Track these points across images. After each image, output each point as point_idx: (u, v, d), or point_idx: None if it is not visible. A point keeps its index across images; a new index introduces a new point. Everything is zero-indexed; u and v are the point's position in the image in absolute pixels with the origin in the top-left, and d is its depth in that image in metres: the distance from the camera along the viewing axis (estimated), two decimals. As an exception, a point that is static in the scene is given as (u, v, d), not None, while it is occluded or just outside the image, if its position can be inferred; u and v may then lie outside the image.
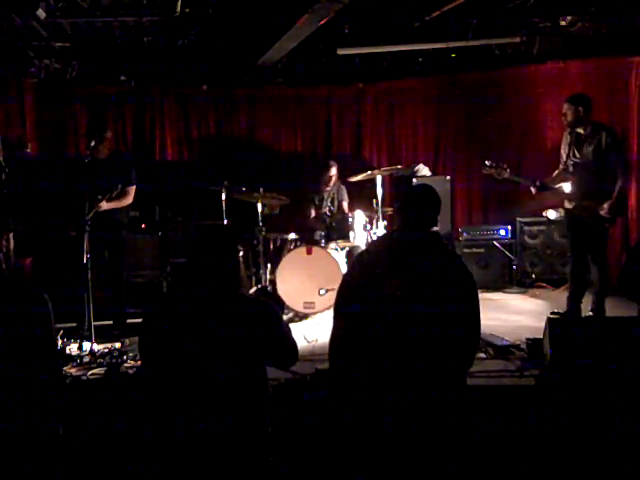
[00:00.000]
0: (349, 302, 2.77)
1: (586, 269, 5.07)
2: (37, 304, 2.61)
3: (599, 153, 4.88)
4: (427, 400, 2.60)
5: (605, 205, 4.80)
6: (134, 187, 5.25)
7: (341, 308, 2.82)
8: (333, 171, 6.74)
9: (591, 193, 4.89)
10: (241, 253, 2.61)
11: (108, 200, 4.94)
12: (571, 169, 5.05)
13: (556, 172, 5.18)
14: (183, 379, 2.37)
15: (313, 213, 6.78)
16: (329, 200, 6.76)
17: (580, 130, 4.98)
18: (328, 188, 6.78)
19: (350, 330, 2.74)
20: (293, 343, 2.60)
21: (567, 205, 5.14)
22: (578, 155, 4.99)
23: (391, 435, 2.60)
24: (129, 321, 5.31)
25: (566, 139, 5.12)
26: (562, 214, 6.56)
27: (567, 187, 5.10)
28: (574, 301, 5.10)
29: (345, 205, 6.82)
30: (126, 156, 5.30)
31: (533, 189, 5.07)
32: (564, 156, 5.12)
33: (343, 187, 6.86)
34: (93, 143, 5.00)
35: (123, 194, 5.16)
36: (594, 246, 5.00)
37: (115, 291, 5.36)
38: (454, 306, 2.62)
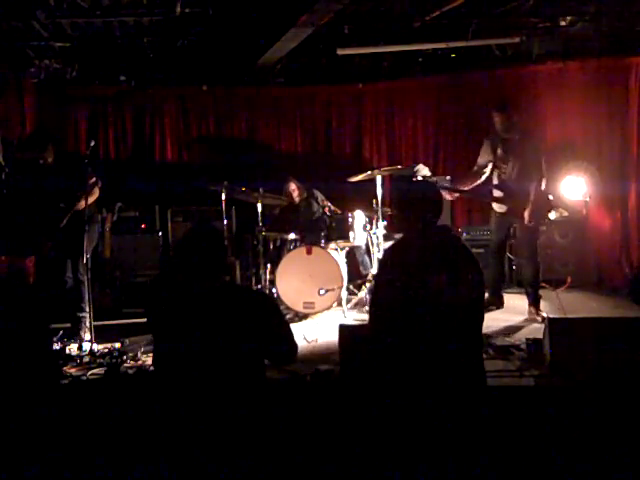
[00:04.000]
0: (390, 302, 2.92)
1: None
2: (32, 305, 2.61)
3: (524, 158, 5.15)
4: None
5: (525, 213, 5.09)
6: (94, 177, 5.16)
7: (380, 307, 2.98)
8: (292, 187, 6.58)
9: (519, 196, 5.15)
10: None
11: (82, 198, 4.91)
12: (501, 175, 5.31)
13: (471, 174, 5.51)
14: (183, 371, 2.41)
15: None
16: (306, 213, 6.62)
17: (509, 136, 5.17)
18: (295, 201, 6.66)
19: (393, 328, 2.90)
20: (290, 333, 2.62)
21: (498, 209, 5.40)
22: (508, 161, 5.22)
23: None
24: (128, 321, 5.32)
25: (490, 146, 5.33)
26: (562, 214, 6.60)
27: (496, 191, 5.38)
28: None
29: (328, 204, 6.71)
30: (72, 155, 5.26)
31: (448, 196, 5.35)
32: (486, 161, 5.36)
33: (316, 192, 6.71)
34: (41, 154, 4.98)
35: (89, 187, 5.09)
36: (527, 246, 5.38)
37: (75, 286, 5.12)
38: (478, 282, 2.95)
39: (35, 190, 5.15)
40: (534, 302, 5.31)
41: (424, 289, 2.82)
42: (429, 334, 2.83)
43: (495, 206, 5.43)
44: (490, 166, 5.37)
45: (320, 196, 6.69)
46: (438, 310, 2.83)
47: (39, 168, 5.05)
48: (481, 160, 5.42)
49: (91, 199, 5.06)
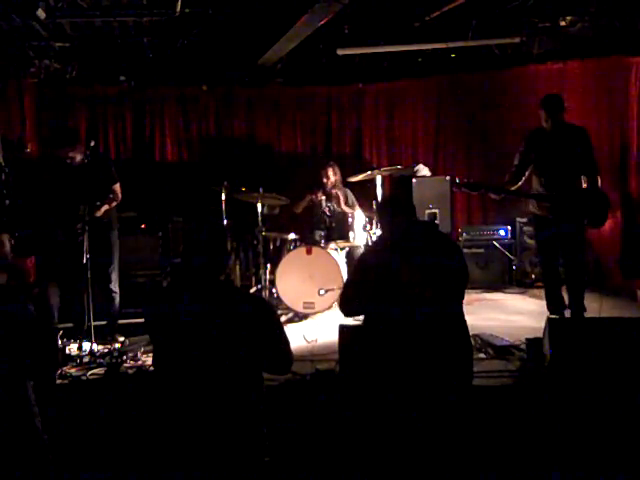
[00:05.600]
0: (364, 296, 3.08)
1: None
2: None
3: (575, 153, 4.88)
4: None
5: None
6: (118, 183, 5.17)
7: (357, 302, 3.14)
8: (333, 170, 6.55)
9: (570, 194, 4.86)
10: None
11: (103, 204, 4.92)
12: (548, 173, 4.94)
13: (512, 176, 5.02)
14: (180, 376, 2.41)
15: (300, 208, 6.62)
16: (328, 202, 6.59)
17: (556, 131, 4.92)
18: (327, 187, 6.66)
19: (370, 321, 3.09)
20: (287, 343, 2.57)
21: (540, 210, 4.97)
22: (557, 157, 4.89)
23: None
24: (128, 321, 5.31)
25: (533, 144, 4.99)
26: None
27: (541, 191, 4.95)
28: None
29: (354, 203, 6.62)
30: (101, 156, 5.23)
31: (493, 196, 4.95)
32: (527, 160, 4.98)
33: (348, 192, 6.63)
34: (70, 153, 4.93)
35: (112, 194, 5.11)
36: (580, 245, 5.00)
37: (106, 297, 5.19)
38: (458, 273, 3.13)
39: (58, 189, 5.11)
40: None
41: (397, 281, 2.94)
42: (404, 323, 2.93)
43: (538, 207, 5.00)
44: (532, 165, 4.99)
45: (351, 197, 6.63)
46: (411, 301, 2.94)
47: (65, 167, 5.00)
48: (522, 160, 5.01)
49: (113, 203, 5.07)
